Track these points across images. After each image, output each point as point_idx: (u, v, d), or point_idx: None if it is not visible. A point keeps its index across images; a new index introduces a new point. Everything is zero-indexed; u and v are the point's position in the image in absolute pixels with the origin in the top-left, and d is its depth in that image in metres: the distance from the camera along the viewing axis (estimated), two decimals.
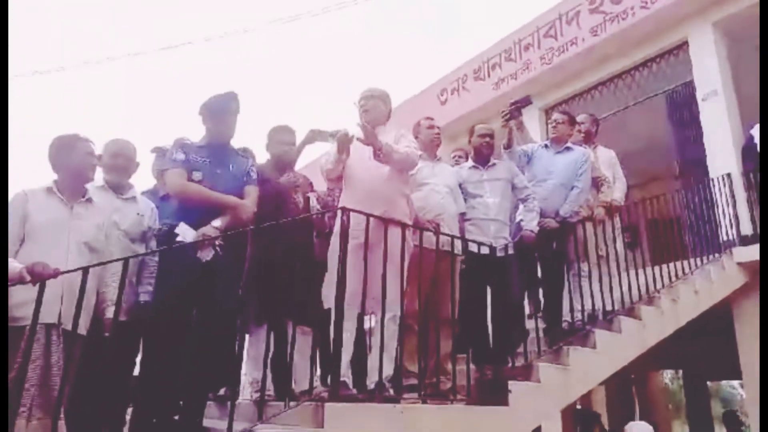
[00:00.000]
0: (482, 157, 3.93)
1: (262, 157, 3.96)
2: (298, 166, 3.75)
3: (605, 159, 4.79)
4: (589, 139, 4.80)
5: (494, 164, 3.92)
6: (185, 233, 2.63)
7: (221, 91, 2.94)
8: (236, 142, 3.07)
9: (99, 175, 2.94)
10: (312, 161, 6.08)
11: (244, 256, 2.86)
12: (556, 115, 4.46)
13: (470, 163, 3.98)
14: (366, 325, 3.27)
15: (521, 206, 4.03)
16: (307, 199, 3.55)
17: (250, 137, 3.55)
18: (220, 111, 2.92)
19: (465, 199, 3.81)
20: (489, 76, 8.43)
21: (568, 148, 4.28)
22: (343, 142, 3.04)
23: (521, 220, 3.97)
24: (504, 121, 4.21)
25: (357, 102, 3.30)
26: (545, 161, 4.22)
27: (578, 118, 4.84)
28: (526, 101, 4.26)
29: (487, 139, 3.94)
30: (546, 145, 4.35)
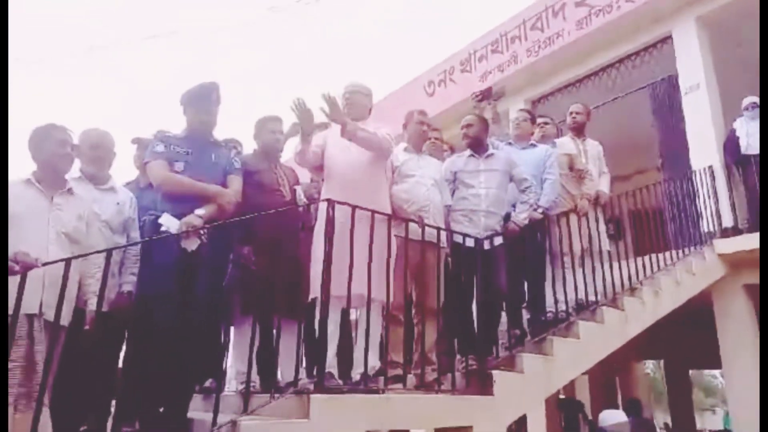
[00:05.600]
0: (469, 146, 3.90)
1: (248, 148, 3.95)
2: (283, 159, 3.73)
3: (594, 152, 4.83)
4: (581, 129, 4.84)
5: (492, 154, 3.88)
6: (169, 224, 2.62)
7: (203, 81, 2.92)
8: (223, 133, 3.06)
9: (76, 166, 2.89)
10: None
11: (230, 245, 2.85)
12: (518, 114, 4.53)
13: (469, 151, 3.94)
14: (352, 317, 3.28)
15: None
16: (293, 192, 3.54)
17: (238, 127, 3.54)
18: (202, 100, 2.89)
19: (459, 189, 3.79)
20: (476, 68, 8.44)
21: (532, 145, 4.32)
22: (305, 120, 3.02)
23: (511, 210, 3.96)
24: (476, 102, 4.35)
25: (341, 95, 3.31)
26: (511, 156, 4.24)
27: (573, 108, 4.90)
28: (488, 93, 4.41)
29: (464, 130, 3.91)
30: (510, 143, 4.38)
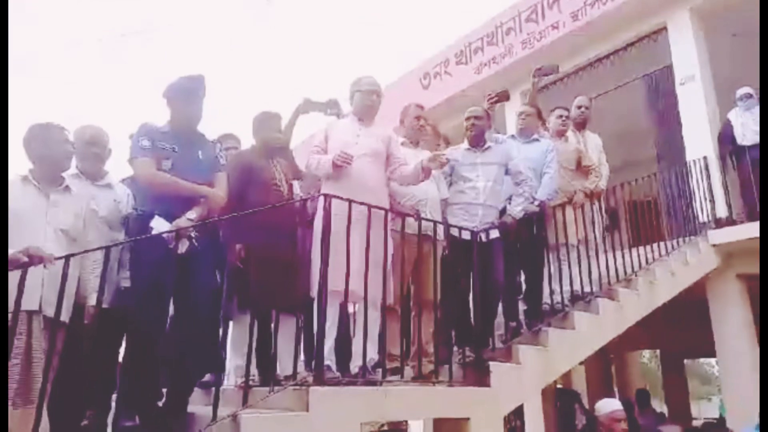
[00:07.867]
0: (472, 139, 3.90)
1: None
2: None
3: (594, 144, 4.84)
4: (585, 123, 4.83)
5: (489, 147, 3.88)
6: (160, 228, 2.57)
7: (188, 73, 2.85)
8: (216, 125, 3.04)
9: (72, 163, 2.88)
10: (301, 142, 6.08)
11: (222, 245, 2.84)
12: (524, 108, 4.48)
13: (465, 144, 3.93)
14: (350, 310, 3.31)
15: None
16: (290, 186, 3.55)
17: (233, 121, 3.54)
18: (189, 94, 2.81)
19: (456, 182, 3.80)
20: (471, 60, 8.43)
21: (535, 140, 4.31)
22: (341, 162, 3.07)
23: (507, 203, 3.98)
24: (490, 104, 4.30)
25: (360, 89, 3.34)
26: (514, 150, 4.24)
27: (581, 101, 4.91)
28: (504, 96, 4.42)
29: (472, 121, 3.90)
30: (513, 136, 4.38)
